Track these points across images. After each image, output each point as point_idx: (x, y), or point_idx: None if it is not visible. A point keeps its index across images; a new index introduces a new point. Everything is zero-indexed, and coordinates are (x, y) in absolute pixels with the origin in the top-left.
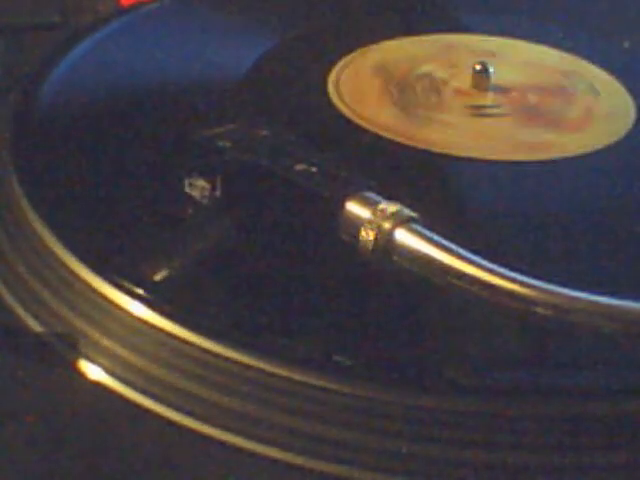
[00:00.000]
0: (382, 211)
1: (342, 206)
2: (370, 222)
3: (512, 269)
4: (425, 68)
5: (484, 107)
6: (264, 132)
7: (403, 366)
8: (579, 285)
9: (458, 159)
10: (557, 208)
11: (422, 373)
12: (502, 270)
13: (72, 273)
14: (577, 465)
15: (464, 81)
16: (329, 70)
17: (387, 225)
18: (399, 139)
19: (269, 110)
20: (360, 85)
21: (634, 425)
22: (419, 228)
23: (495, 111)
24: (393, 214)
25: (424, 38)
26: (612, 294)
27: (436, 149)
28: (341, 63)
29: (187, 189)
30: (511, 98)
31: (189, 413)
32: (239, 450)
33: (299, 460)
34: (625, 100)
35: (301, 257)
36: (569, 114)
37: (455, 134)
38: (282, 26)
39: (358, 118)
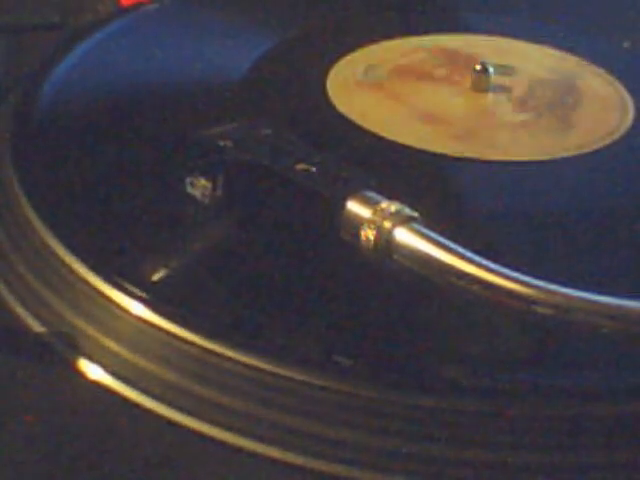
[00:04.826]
0: (383, 210)
1: (343, 205)
2: (370, 221)
3: (512, 269)
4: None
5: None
6: (265, 131)
7: (403, 366)
8: (579, 285)
9: (457, 159)
10: (557, 208)
11: (422, 373)
12: (502, 269)
13: (72, 273)
14: (577, 465)
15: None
16: (329, 70)
17: (387, 224)
18: (398, 139)
19: (269, 110)
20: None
21: (634, 425)
22: (420, 227)
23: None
24: (393, 213)
25: (427, 38)
26: (612, 294)
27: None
28: (341, 63)
29: (188, 188)
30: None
31: (189, 413)
32: (239, 450)
33: (299, 460)
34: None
35: (301, 257)
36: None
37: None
38: (282, 26)
39: (358, 118)
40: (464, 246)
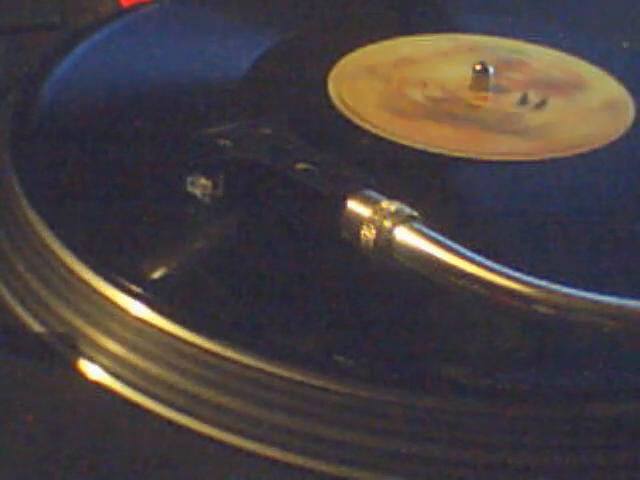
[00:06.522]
0: (383, 210)
1: (343, 205)
2: (371, 221)
3: (512, 269)
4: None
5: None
6: (265, 131)
7: (403, 366)
8: (579, 285)
9: (457, 159)
10: (557, 208)
11: (422, 373)
12: (503, 269)
13: (72, 273)
14: (577, 465)
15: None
16: (329, 69)
17: (388, 223)
18: (398, 139)
19: (269, 109)
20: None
21: (634, 425)
22: (420, 227)
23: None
24: (394, 213)
25: (427, 38)
26: (612, 294)
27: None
28: (341, 63)
29: (188, 188)
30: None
31: (189, 413)
32: (239, 450)
33: (299, 460)
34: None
35: (302, 256)
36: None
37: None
38: (282, 26)
39: (358, 118)
40: (464, 246)
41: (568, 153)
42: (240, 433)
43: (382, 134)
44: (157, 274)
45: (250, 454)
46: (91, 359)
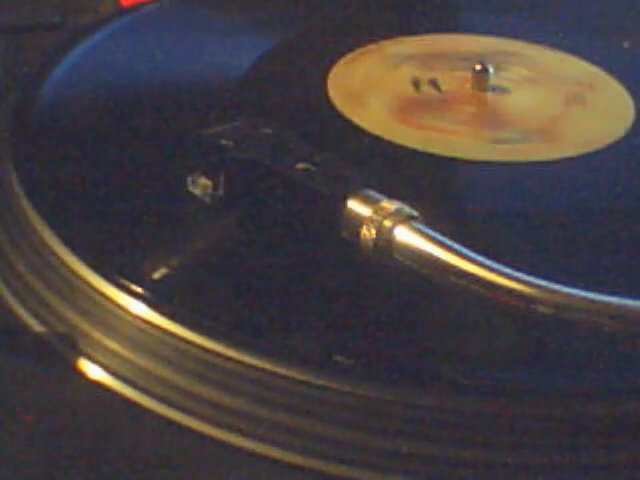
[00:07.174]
0: (383, 209)
1: (343, 204)
2: (371, 220)
3: (512, 268)
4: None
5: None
6: (265, 131)
7: (403, 366)
8: (579, 285)
9: (457, 159)
10: (557, 208)
11: (422, 373)
12: (503, 268)
13: (73, 272)
14: (577, 465)
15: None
16: (329, 70)
17: (388, 223)
18: (398, 139)
19: (270, 109)
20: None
21: (634, 425)
22: (420, 226)
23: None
24: (394, 212)
25: (427, 38)
26: (612, 293)
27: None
28: (341, 63)
29: (189, 187)
30: None
31: (189, 413)
32: (239, 450)
33: (299, 460)
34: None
35: (302, 256)
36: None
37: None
38: (282, 26)
39: (358, 118)
40: (464, 246)
41: (568, 153)
42: (240, 432)
43: (382, 134)
44: (157, 273)
45: (250, 454)
46: (91, 358)
